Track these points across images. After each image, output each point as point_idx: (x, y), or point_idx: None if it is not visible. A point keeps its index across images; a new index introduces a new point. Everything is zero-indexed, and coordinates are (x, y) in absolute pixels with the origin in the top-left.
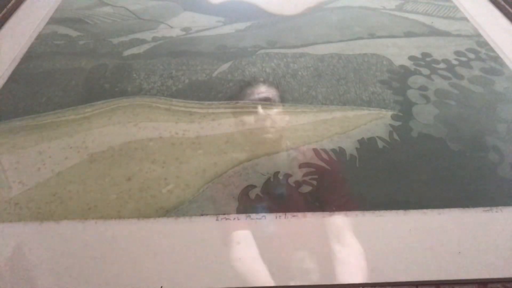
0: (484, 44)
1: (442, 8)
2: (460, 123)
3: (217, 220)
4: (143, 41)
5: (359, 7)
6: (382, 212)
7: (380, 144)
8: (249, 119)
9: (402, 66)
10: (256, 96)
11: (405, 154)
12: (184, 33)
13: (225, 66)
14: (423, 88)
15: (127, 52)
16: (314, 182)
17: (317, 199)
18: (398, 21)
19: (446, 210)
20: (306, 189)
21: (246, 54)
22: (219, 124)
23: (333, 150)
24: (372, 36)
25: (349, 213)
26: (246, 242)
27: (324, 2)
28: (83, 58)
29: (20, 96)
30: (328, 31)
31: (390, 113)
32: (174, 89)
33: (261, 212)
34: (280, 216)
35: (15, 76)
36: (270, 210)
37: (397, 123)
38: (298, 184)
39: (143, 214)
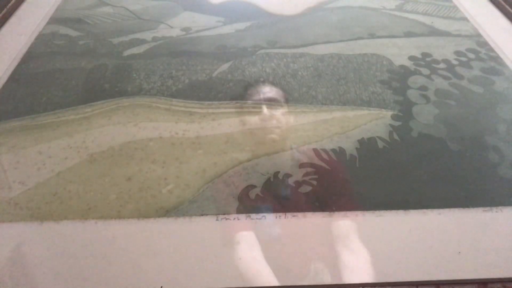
0: (484, 44)
1: (442, 8)
2: (460, 123)
3: (217, 220)
4: (143, 41)
5: (359, 7)
6: (382, 212)
7: (380, 144)
8: (249, 119)
9: (402, 66)
10: (257, 97)
11: (405, 154)
12: (184, 33)
13: (225, 66)
14: (423, 88)
15: (127, 52)
16: (314, 182)
17: (317, 199)
18: (398, 21)
19: (446, 210)
20: (306, 189)
21: (246, 54)
22: (219, 124)
23: (333, 150)
24: (372, 36)
25: (349, 213)
26: (246, 242)
27: (324, 2)
28: (83, 58)
29: (20, 96)
30: (328, 31)
31: (390, 113)
32: (174, 89)
33: (261, 212)
34: (280, 216)
35: (15, 76)
36: (270, 210)
37: (397, 123)
38: (298, 184)
39: (143, 214)
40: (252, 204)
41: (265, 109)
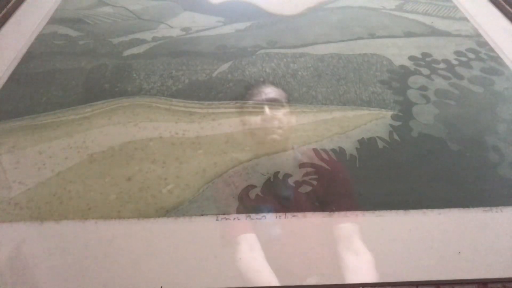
0: (484, 44)
1: (442, 8)
2: (460, 123)
3: (217, 220)
4: (143, 41)
5: (359, 7)
6: (382, 212)
7: (380, 144)
8: (249, 119)
9: (402, 66)
10: (257, 97)
11: (405, 154)
12: (184, 33)
13: (225, 66)
14: (423, 88)
15: (127, 52)
16: (314, 182)
17: (317, 199)
18: (398, 21)
19: (446, 210)
20: (306, 189)
21: (246, 54)
22: (219, 124)
23: (333, 150)
24: (372, 36)
25: (349, 213)
26: (246, 242)
27: (324, 2)
28: (83, 58)
29: (20, 96)
30: (328, 31)
31: (390, 113)
32: (174, 89)
33: (261, 212)
34: (280, 216)
35: (15, 76)
36: (270, 210)
37: (397, 123)
38: (298, 184)
39: (143, 214)
40: (252, 204)
41: (265, 109)
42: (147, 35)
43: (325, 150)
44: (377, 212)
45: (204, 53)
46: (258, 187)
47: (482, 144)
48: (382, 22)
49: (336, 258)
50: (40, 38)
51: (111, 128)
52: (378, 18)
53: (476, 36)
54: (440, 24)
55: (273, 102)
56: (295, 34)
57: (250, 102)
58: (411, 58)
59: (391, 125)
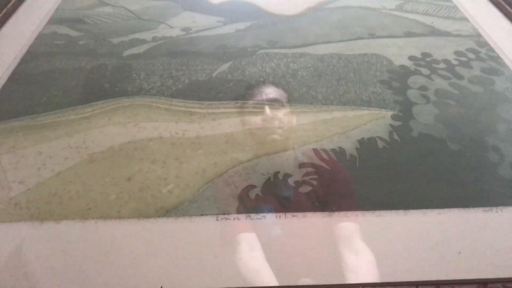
0: (484, 44)
1: (442, 8)
2: (460, 123)
3: (217, 220)
4: (143, 41)
5: (359, 7)
6: (382, 212)
7: (380, 144)
8: (250, 119)
9: (402, 66)
10: (257, 97)
11: (405, 154)
12: (184, 33)
13: (225, 66)
14: (423, 88)
15: (127, 52)
16: (314, 182)
17: (317, 199)
18: (398, 21)
19: (446, 210)
20: (306, 189)
21: (246, 54)
22: (219, 124)
23: (333, 150)
24: (372, 36)
25: (349, 213)
26: (246, 242)
27: (324, 2)
28: (83, 58)
29: (20, 96)
30: (328, 31)
31: (390, 113)
32: (174, 89)
33: (261, 212)
34: (280, 216)
35: (15, 76)
36: (270, 210)
37: (397, 123)
38: (298, 184)
39: (143, 214)
40: (252, 204)
41: (265, 109)
42: (147, 35)
43: (325, 150)
44: (377, 212)
45: (204, 53)
46: (258, 187)
47: (482, 144)
48: (382, 22)
49: (336, 258)
50: (40, 38)
51: (111, 128)
52: (378, 18)
53: (476, 36)
54: (440, 24)
55: (273, 102)
56: (295, 34)
57: (250, 102)
58: (411, 58)
59: (391, 125)
